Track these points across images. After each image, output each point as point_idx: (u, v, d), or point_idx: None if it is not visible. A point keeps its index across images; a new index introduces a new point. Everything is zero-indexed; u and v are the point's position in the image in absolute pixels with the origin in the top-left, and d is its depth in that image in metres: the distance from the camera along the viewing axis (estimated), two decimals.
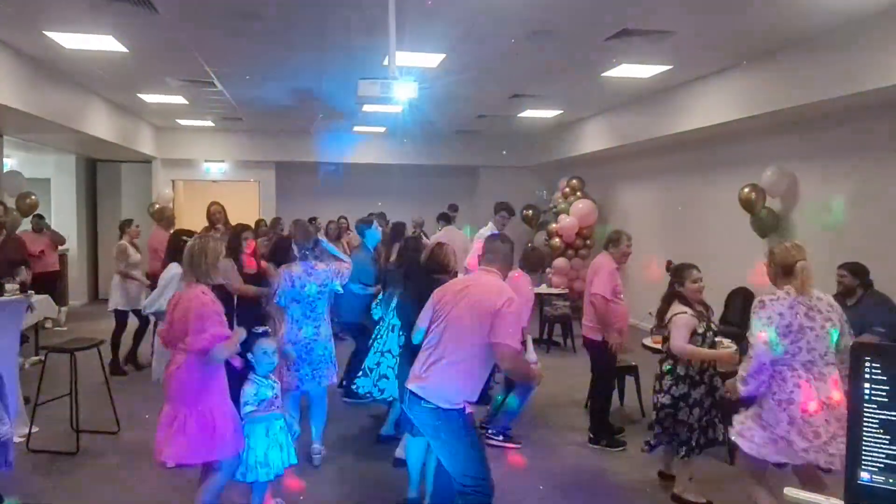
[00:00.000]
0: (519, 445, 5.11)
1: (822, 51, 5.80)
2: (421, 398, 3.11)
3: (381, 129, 12.34)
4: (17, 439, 4.56)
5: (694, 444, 4.10)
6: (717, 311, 7.61)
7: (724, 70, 7.14)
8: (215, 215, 7.16)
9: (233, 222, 6.94)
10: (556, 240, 11.04)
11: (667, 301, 4.23)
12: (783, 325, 3.17)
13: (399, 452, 4.58)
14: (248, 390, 3.61)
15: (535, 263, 5.25)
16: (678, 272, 4.21)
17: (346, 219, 10.12)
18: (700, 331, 4.05)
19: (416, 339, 3.39)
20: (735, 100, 7.03)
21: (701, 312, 4.13)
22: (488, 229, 6.56)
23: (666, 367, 4.18)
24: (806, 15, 5.31)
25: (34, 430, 5.01)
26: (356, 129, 12.25)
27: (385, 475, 4.53)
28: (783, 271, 3.32)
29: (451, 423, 3.11)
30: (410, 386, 3.18)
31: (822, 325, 3.19)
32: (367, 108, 9.66)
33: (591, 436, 5.21)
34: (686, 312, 4.04)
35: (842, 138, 6.58)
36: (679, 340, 3.98)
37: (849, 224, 6.32)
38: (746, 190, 7.28)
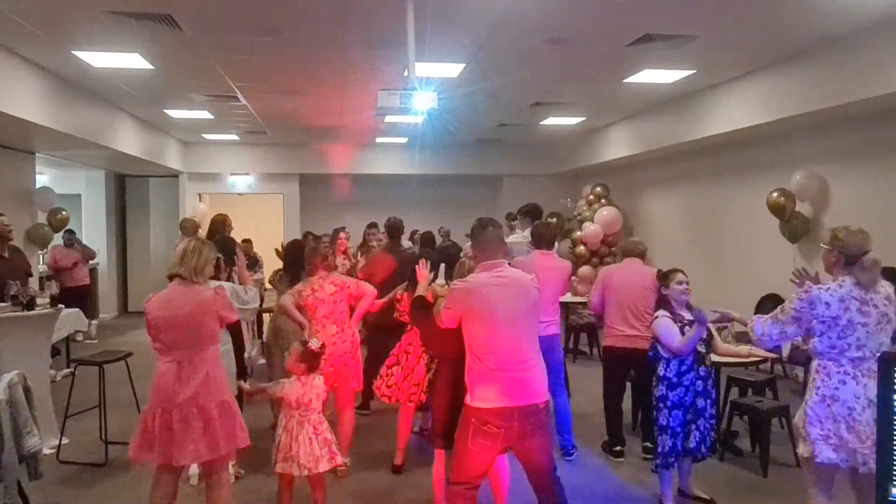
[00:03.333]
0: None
1: (848, 52, 5.68)
2: (540, 403, 3.08)
3: (403, 140, 12.38)
4: (47, 451, 4.64)
5: (674, 451, 3.97)
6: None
7: (747, 73, 7.03)
8: (217, 225, 6.62)
9: (262, 234, 6.82)
10: (581, 248, 10.93)
11: (656, 306, 4.23)
12: (828, 316, 2.97)
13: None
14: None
15: (550, 239, 5.25)
16: (664, 276, 4.19)
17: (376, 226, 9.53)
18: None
19: None
20: (760, 104, 6.91)
21: (680, 315, 4.06)
22: (520, 237, 6.43)
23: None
24: (831, 16, 5.21)
25: (64, 441, 5.09)
26: (378, 140, 12.31)
27: (409, 488, 4.51)
28: (847, 260, 3.02)
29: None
30: (534, 401, 3.05)
31: (877, 321, 2.98)
32: (388, 119, 9.70)
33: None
34: (658, 316, 4.06)
35: (873, 139, 6.42)
36: (673, 341, 3.92)
37: (882, 228, 6.14)
38: (775, 195, 7.15)
